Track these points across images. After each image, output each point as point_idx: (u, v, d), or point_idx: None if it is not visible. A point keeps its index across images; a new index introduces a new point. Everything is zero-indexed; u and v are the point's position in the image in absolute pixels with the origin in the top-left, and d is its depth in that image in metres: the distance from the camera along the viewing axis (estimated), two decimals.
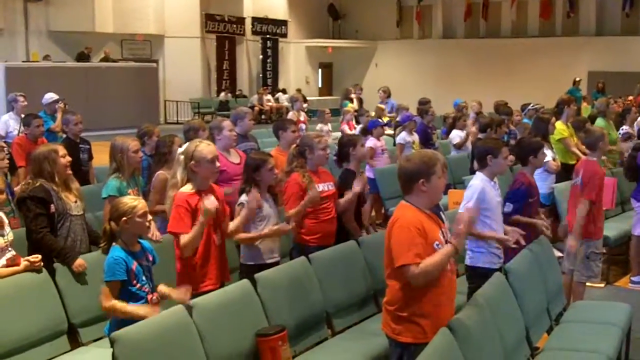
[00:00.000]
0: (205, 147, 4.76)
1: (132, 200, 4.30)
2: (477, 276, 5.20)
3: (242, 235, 5.21)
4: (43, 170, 5.21)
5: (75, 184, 5.51)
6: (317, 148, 5.84)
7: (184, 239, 4.59)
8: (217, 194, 4.86)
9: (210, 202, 4.53)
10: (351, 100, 15.46)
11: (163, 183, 5.66)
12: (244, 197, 5.21)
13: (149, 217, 4.34)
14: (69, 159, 5.40)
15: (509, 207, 5.78)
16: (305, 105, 17.74)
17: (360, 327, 5.39)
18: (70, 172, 5.41)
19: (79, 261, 5.07)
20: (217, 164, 4.80)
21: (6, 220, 4.89)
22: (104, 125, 17.17)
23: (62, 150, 5.37)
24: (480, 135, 9.56)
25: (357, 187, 5.94)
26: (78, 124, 8.25)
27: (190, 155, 4.70)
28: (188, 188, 4.69)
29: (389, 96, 14.36)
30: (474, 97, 15.73)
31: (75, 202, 5.35)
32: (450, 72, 27.97)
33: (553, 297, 5.61)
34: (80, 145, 8.20)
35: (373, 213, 10.12)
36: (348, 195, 5.97)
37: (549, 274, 5.63)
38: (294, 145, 6.10)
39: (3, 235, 4.74)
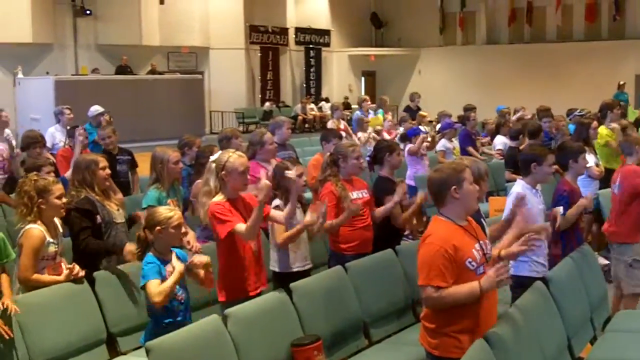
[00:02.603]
0: (237, 159, 4.78)
1: (168, 211, 4.37)
2: (521, 286, 5.06)
3: (285, 234, 5.13)
4: (85, 179, 5.32)
5: (117, 195, 5.60)
6: (351, 157, 5.83)
7: (241, 227, 4.60)
8: (247, 202, 4.87)
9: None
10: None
11: None
12: (277, 200, 5.22)
13: (183, 228, 4.38)
14: (108, 171, 5.49)
15: (562, 210, 5.65)
16: (347, 113, 17.69)
17: (398, 337, 5.33)
18: (108, 183, 5.50)
19: (127, 248, 5.12)
20: (247, 176, 4.82)
21: (60, 229, 4.99)
22: (151, 136, 17.36)
23: (102, 162, 5.46)
24: (512, 144, 9.45)
25: (396, 197, 5.90)
26: (105, 139, 8.34)
27: (222, 165, 4.73)
28: (219, 198, 4.73)
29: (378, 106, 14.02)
30: (519, 103, 15.57)
31: (118, 210, 5.46)
32: (495, 78, 27.64)
33: (596, 306, 5.47)
34: (118, 157, 8.25)
35: (414, 221, 10.03)
36: (387, 205, 5.93)
37: (592, 283, 5.49)
38: (328, 154, 6.10)
39: (56, 244, 4.84)
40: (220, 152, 5.19)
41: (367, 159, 6.60)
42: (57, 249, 4.84)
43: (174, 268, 4.27)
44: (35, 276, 4.67)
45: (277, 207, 5.20)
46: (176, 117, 20.07)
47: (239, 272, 4.75)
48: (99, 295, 4.92)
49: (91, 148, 9.00)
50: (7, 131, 9.59)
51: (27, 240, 4.65)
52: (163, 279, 4.24)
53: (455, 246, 3.71)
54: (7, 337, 4.19)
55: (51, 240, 4.78)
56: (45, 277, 4.73)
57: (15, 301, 4.39)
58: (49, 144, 9.90)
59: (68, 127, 9.91)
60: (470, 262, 3.73)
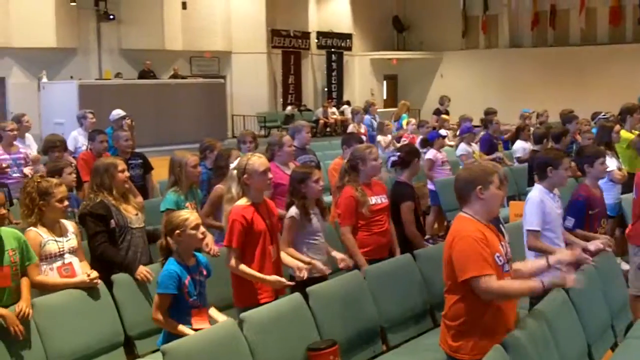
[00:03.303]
0: (256, 160, 4.81)
1: (185, 214, 4.38)
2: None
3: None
4: (104, 182, 5.34)
5: (137, 197, 5.62)
6: (369, 159, 5.80)
7: (242, 268, 4.66)
8: (270, 208, 4.89)
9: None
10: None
11: (219, 197, 5.73)
12: (294, 210, 5.22)
13: (202, 229, 4.39)
14: (127, 174, 5.52)
15: (570, 222, 5.62)
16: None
17: (416, 342, 5.30)
18: (128, 186, 5.51)
19: (141, 269, 5.14)
20: (269, 175, 4.84)
21: (70, 229, 5.00)
22: (174, 140, 17.46)
23: (121, 165, 5.49)
24: (536, 147, 9.37)
25: None
26: (128, 141, 8.36)
27: (242, 169, 4.75)
28: (243, 201, 4.74)
29: (366, 112, 13.84)
30: (543, 106, 15.46)
31: (136, 214, 5.45)
32: (518, 81, 27.43)
33: (617, 312, 5.39)
34: (130, 162, 8.14)
35: (436, 225, 10.02)
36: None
37: (613, 289, 5.42)
38: (345, 160, 6.06)
39: (58, 241, 4.85)
40: (239, 158, 5.22)
41: (394, 159, 6.41)
42: (62, 247, 4.85)
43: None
44: (39, 278, 4.67)
45: (292, 218, 5.21)
46: (198, 121, 20.14)
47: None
48: (116, 298, 4.95)
49: (113, 152, 9.06)
50: (28, 135, 9.70)
51: None
52: (182, 286, 4.24)
53: (487, 237, 3.75)
54: (21, 338, 4.21)
55: (52, 238, 4.80)
56: (50, 279, 4.75)
57: (33, 304, 4.43)
58: (71, 148, 9.99)
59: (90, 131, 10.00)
60: (498, 257, 3.77)
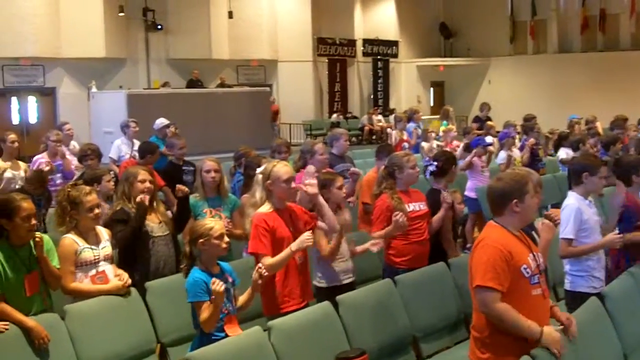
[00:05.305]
0: (281, 168, 4.80)
1: (210, 222, 4.39)
2: (577, 301, 4.92)
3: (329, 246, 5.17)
4: (124, 190, 5.41)
5: (159, 207, 5.58)
6: (407, 167, 5.73)
7: (267, 261, 4.58)
8: (296, 213, 4.87)
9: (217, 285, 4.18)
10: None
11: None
12: (321, 223, 5.19)
13: (227, 238, 4.39)
14: (147, 185, 5.44)
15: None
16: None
17: (450, 352, 5.23)
18: (145, 197, 5.35)
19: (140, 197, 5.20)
20: (292, 184, 4.82)
21: (105, 236, 5.05)
22: (221, 148, 17.53)
23: (141, 176, 5.46)
24: (575, 154, 9.21)
25: (445, 204, 5.82)
26: (183, 148, 8.50)
27: (267, 175, 4.75)
28: (266, 208, 4.75)
29: (410, 119, 13.61)
30: (592, 113, 15.14)
31: (160, 223, 5.44)
32: (567, 87, 26.98)
33: None
34: (184, 168, 8.43)
35: (476, 233, 9.88)
36: (439, 214, 5.85)
37: None
38: (383, 167, 6.00)
39: (94, 249, 4.89)
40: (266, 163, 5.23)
41: (432, 169, 6.32)
42: (97, 255, 4.88)
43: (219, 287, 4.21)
44: (74, 285, 4.75)
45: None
46: (245, 129, 20.23)
47: (283, 285, 4.74)
48: (149, 305, 4.98)
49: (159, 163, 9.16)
50: (73, 143, 9.90)
51: (59, 249, 4.75)
52: (208, 291, 4.26)
53: (511, 251, 3.67)
54: (45, 345, 4.26)
55: (87, 246, 4.85)
56: (85, 285, 4.80)
57: (65, 311, 4.50)
58: (114, 156, 10.20)
59: (134, 140, 10.19)
60: (525, 269, 3.69)
